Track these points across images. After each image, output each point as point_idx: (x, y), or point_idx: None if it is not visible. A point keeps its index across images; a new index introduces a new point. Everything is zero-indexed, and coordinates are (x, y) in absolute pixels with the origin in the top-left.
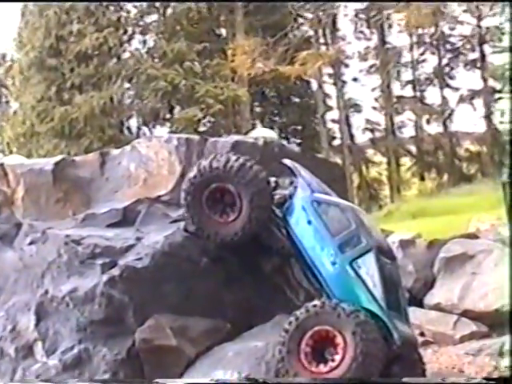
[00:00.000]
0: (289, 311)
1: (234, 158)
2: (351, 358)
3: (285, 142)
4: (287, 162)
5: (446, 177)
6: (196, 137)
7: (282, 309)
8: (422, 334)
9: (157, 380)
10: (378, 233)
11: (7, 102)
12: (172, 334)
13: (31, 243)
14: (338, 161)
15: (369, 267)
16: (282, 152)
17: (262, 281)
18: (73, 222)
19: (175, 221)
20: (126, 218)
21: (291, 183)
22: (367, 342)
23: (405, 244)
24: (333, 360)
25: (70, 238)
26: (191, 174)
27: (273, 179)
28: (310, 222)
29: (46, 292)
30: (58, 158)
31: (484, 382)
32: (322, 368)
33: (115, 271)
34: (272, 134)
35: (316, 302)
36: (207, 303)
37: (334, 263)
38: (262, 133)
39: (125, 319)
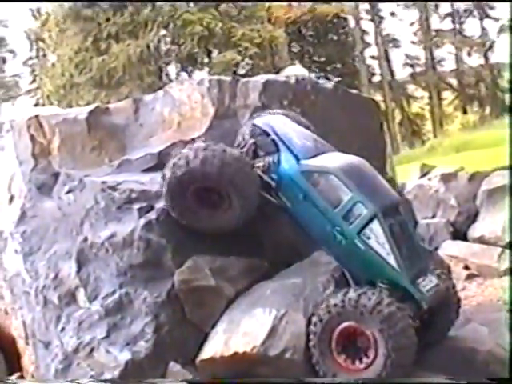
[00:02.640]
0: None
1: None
2: (384, 356)
3: (319, 80)
4: (259, 122)
5: (488, 109)
6: (227, 78)
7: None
8: (466, 267)
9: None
10: (380, 185)
11: (44, 56)
12: (211, 274)
13: (69, 192)
14: (379, 97)
15: (378, 235)
16: (315, 89)
17: None
18: (109, 168)
19: None
20: (161, 162)
21: (273, 143)
22: (396, 337)
23: (446, 178)
24: (367, 356)
25: (107, 184)
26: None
27: (251, 141)
28: (305, 198)
29: (86, 239)
30: (92, 106)
31: (485, 382)
32: (359, 365)
33: (152, 215)
34: (304, 72)
35: (336, 301)
36: (245, 243)
37: (341, 240)
38: (293, 71)
39: (163, 262)
